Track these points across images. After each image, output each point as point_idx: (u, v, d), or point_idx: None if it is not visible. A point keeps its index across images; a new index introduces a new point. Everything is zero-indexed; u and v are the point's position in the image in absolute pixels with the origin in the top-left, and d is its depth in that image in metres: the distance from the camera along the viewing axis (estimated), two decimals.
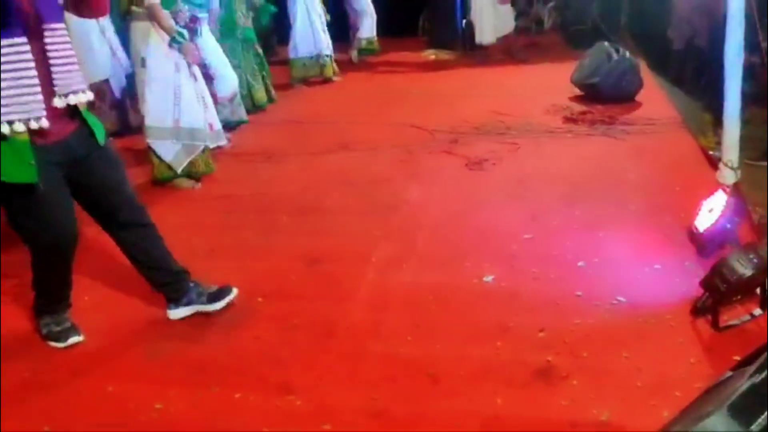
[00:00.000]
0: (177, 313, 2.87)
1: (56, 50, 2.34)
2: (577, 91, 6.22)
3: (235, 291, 2.91)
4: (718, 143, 3.58)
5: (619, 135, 5.14)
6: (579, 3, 8.88)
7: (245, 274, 3.24)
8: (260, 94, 6.42)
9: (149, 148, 4.46)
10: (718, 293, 2.55)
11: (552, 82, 6.66)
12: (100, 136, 2.55)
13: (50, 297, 2.74)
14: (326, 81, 7.61)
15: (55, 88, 2.35)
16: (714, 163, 4.00)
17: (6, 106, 2.24)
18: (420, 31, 9.79)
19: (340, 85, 7.65)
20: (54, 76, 2.34)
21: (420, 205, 4.08)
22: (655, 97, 6.04)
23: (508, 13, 8.18)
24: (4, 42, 2.20)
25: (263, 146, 5.44)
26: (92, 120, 2.55)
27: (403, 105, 6.56)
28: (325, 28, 7.51)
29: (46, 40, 2.31)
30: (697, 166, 4.31)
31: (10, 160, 2.30)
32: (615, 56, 5.90)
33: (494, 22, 8.04)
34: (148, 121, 4.43)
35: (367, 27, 8.59)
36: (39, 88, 2.30)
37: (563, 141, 5.14)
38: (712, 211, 3.24)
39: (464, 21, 8.69)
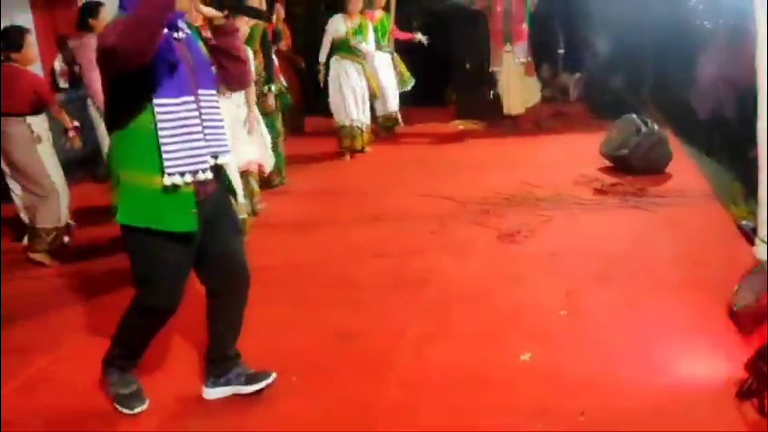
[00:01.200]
0: (213, 393, 2.87)
1: (209, 113, 2.57)
2: (606, 162, 6.25)
3: (273, 376, 2.89)
4: (750, 213, 3.55)
5: (650, 207, 5.12)
6: (604, 73, 9.00)
7: (278, 350, 3.25)
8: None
9: None
10: (763, 377, 2.49)
11: (580, 152, 6.70)
12: (235, 198, 2.81)
13: (129, 351, 2.79)
14: (357, 152, 7.67)
15: (207, 148, 2.56)
16: (747, 234, 3.97)
17: (179, 158, 2.45)
18: (447, 101, 9.95)
19: (369, 155, 7.76)
20: (206, 136, 2.55)
21: (453, 279, 4.08)
22: (685, 168, 6.03)
23: (534, 83, 8.30)
24: (180, 100, 2.45)
25: (294, 216, 5.53)
26: (231, 183, 2.79)
27: (433, 175, 6.62)
28: (361, 99, 7.57)
29: (201, 104, 2.53)
30: (732, 239, 4.26)
31: (174, 210, 2.48)
32: (643, 129, 5.94)
33: (522, 94, 8.15)
34: None
35: (389, 101, 8.52)
36: (204, 143, 2.54)
37: (594, 213, 5.13)
38: (750, 288, 3.19)
39: (491, 92, 8.83)
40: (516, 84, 8.08)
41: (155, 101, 2.40)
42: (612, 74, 8.88)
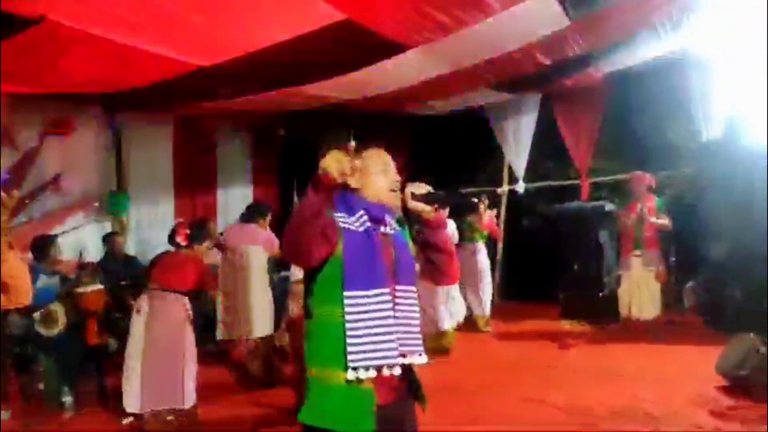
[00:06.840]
0: None
1: (404, 310, 2.49)
2: (723, 381, 5.91)
3: None
4: None
5: None
6: (720, 282, 8.71)
7: None
8: None
9: None
10: None
11: (694, 367, 6.39)
12: (423, 406, 2.59)
13: None
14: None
15: (397, 346, 2.44)
16: None
17: (364, 352, 2.36)
18: (558, 300, 9.60)
19: (471, 353, 7.74)
20: (398, 332, 2.45)
21: None
22: None
23: (658, 291, 8.19)
24: (372, 292, 2.41)
25: None
26: (420, 390, 2.60)
27: (536, 378, 6.50)
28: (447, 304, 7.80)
29: (398, 299, 2.48)
30: None
31: (353, 410, 2.36)
32: (762, 349, 5.66)
33: (651, 300, 8.09)
34: None
35: (482, 301, 8.92)
36: (394, 339, 2.42)
37: None
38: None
39: (601, 293, 8.74)
40: (645, 290, 8.05)
41: (345, 293, 2.38)
42: (729, 284, 8.59)
